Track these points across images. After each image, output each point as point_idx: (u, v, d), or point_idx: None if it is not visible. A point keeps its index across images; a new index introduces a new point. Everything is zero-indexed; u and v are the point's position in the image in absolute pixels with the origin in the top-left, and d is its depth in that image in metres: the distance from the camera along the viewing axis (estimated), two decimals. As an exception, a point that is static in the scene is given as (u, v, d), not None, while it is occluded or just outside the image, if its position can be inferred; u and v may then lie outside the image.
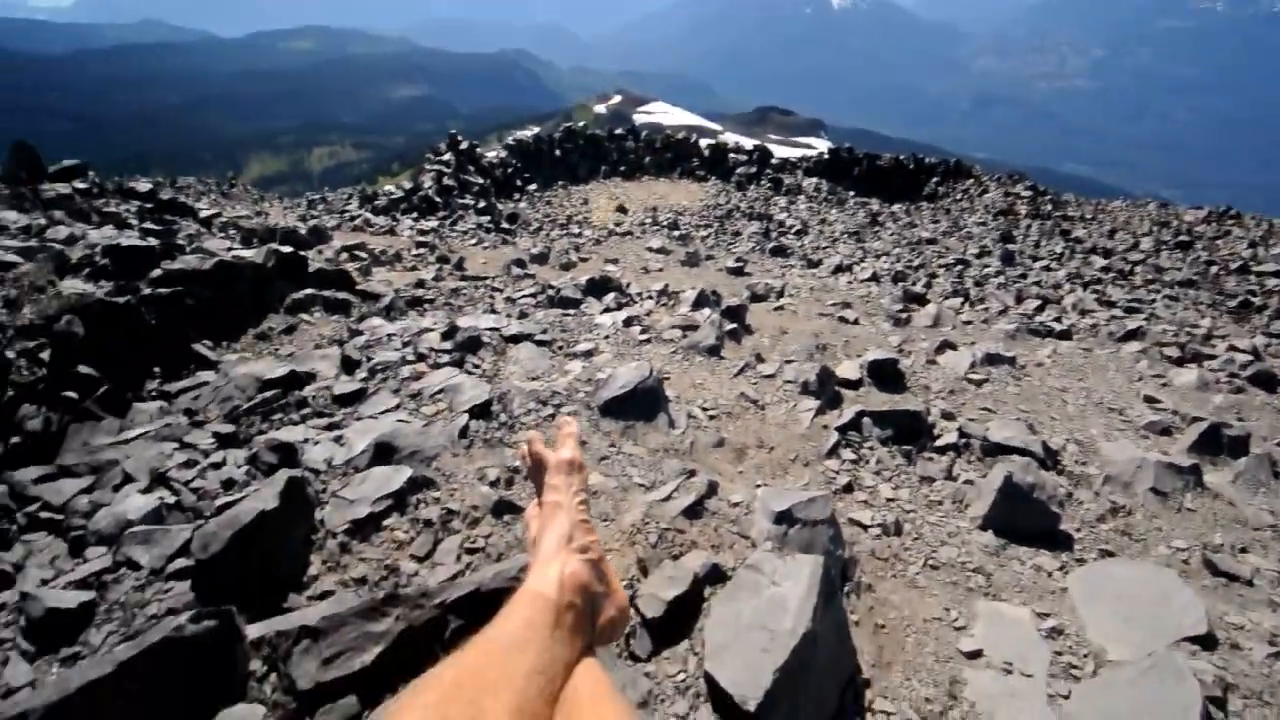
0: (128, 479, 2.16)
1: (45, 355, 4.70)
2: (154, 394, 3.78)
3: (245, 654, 1.46)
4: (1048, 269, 8.83)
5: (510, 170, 17.07)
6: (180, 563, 1.80)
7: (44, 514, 2.02)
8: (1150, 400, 4.61)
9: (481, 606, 1.62)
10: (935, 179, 18.87)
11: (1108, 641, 2.24)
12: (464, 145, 16.73)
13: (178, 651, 1.26)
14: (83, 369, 4.12)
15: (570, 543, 1.24)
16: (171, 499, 2.04)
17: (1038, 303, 6.60)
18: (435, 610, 1.55)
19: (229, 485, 2.13)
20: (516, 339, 4.25)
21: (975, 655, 2.21)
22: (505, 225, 12.79)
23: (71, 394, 3.87)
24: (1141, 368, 5.25)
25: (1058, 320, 6.20)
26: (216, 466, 2.25)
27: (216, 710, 1.37)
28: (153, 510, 1.93)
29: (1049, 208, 16.20)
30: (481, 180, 15.57)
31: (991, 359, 4.76)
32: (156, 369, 4.45)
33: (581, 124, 19.56)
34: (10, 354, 4.76)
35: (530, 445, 1.59)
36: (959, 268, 8.69)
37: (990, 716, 1.96)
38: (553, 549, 1.20)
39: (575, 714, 0.80)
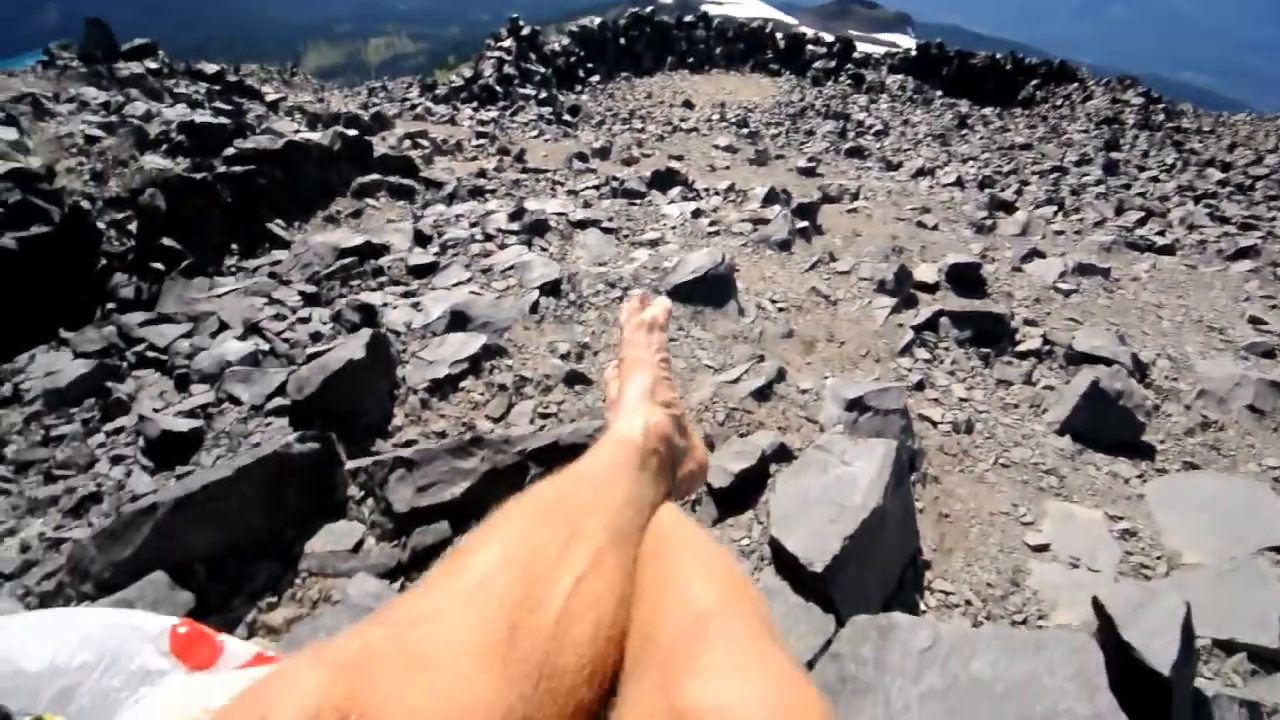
0: (223, 326, 2.27)
1: (132, 227, 4.91)
2: (233, 269, 3.93)
3: (344, 479, 1.56)
4: (1155, 180, 8.03)
5: (572, 59, 16.35)
6: (277, 401, 1.90)
7: (150, 354, 2.16)
8: (1255, 321, 4.27)
9: (560, 458, 1.67)
10: (1034, 82, 17.16)
11: (1184, 547, 2.18)
12: (525, 31, 16.03)
13: (285, 466, 1.35)
14: (167, 241, 4.29)
15: (653, 396, 1.23)
16: (265, 346, 2.13)
17: (1140, 215, 6.07)
18: (517, 456, 1.60)
19: (316, 337, 2.22)
20: (583, 225, 4.19)
21: (1041, 549, 2.19)
22: (566, 118, 12.40)
23: (158, 265, 4.05)
24: (1250, 288, 4.83)
25: (1161, 234, 5.70)
26: (304, 321, 2.35)
27: (320, 525, 1.48)
28: (249, 354, 2.03)
29: (1161, 118, 14.60)
30: (543, 69, 15.00)
31: (1084, 269, 4.46)
32: (234, 245, 4.58)
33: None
34: (101, 224, 4.98)
35: (628, 304, 1.56)
36: (1055, 175, 8.00)
37: (1053, 604, 1.96)
38: (635, 400, 1.20)
39: (661, 541, 0.81)
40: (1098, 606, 1.30)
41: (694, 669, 0.53)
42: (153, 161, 5.39)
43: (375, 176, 5.75)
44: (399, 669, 0.49)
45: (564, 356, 2.64)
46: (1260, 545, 2.10)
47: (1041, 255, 4.77)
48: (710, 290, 3.11)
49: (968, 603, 1.99)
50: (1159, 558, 2.17)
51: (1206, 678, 1.66)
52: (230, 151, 5.41)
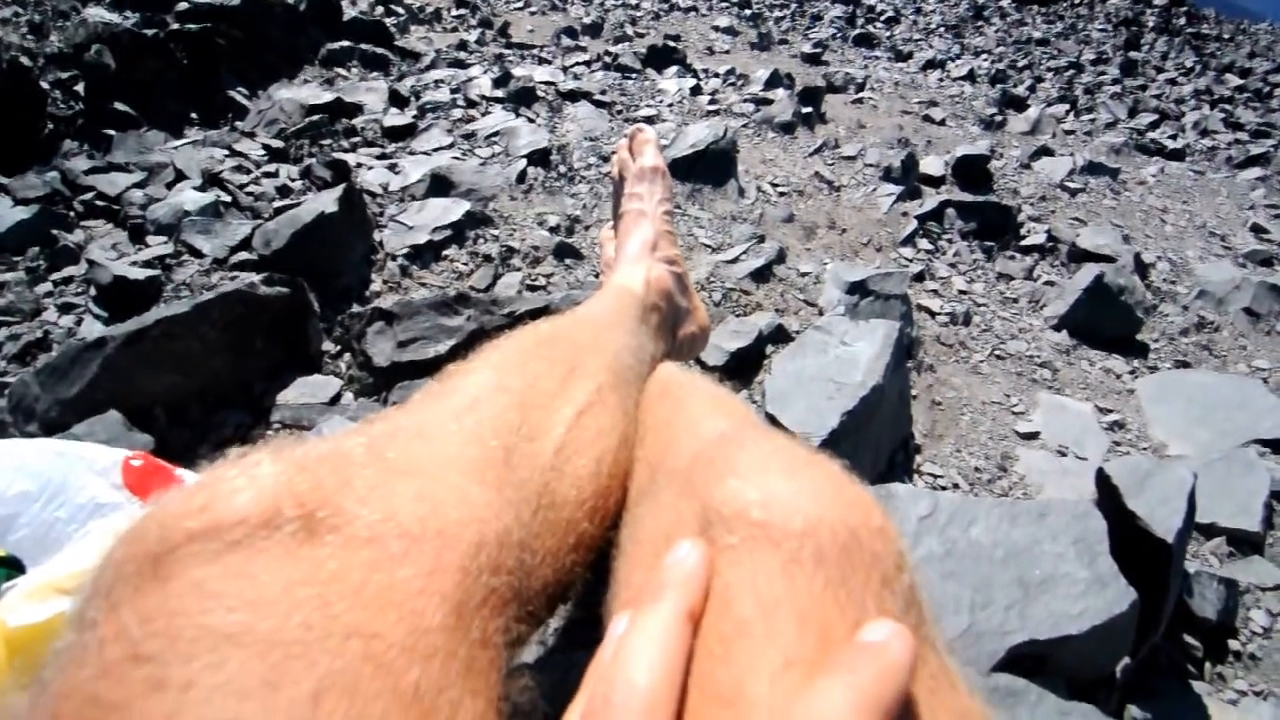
0: (180, 177, 2.07)
1: (79, 88, 4.47)
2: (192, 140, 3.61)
3: (318, 331, 1.45)
4: (1173, 82, 7.70)
5: (561, -75, 14.87)
6: (242, 255, 1.75)
7: (99, 203, 1.97)
8: (1258, 230, 4.20)
9: (550, 320, 1.56)
10: (1055, -27, 16.05)
11: (1171, 438, 2.20)
12: (510, -112, 14.43)
13: (252, 308, 1.23)
14: (119, 106, 3.91)
15: (655, 251, 1.10)
16: (227, 198, 1.95)
17: (1154, 117, 5.83)
18: (505, 319, 1.49)
19: (284, 191, 2.04)
20: (573, 97, 3.89)
21: (1031, 437, 2.19)
22: (555, -10, 11.40)
23: (110, 131, 3.71)
24: (1256, 196, 4.73)
25: (1173, 138, 5.50)
26: (270, 175, 2.15)
27: (292, 378, 1.38)
28: (210, 204, 1.86)
29: (1182, 22, 13.85)
30: (529, -66, 13.64)
31: (1093, 168, 4.30)
32: (194, 115, 4.22)
33: None
34: (44, 84, 4.53)
35: (617, 154, 1.37)
36: (1070, 73, 7.63)
37: (1039, 488, 1.98)
38: (636, 253, 1.06)
39: (666, 386, 0.72)
40: (1102, 478, 1.26)
41: (729, 470, 0.44)
42: (97, 14, 4.87)
43: (346, 43, 5.25)
44: (378, 472, 0.40)
45: (553, 229, 2.48)
46: (1248, 438, 2.12)
47: (1050, 153, 4.58)
48: (710, 167, 2.92)
49: (956, 485, 1.99)
50: (1145, 448, 2.18)
51: (1185, 559, 1.69)
52: (183, 6, 4.88)
